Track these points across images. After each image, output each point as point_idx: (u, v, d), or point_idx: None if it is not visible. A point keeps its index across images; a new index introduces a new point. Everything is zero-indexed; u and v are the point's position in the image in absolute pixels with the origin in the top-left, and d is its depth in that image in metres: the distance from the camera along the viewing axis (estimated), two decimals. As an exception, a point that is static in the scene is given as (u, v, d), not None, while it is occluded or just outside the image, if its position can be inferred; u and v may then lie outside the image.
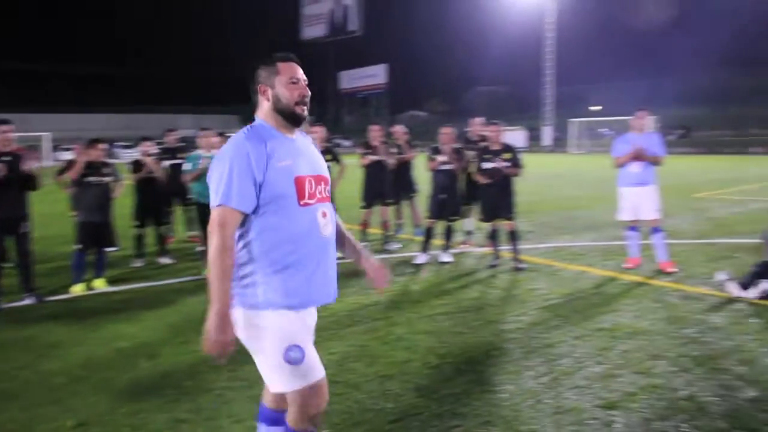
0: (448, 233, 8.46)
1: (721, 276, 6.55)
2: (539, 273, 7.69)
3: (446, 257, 8.43)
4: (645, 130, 7.72)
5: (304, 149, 2.79)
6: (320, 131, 8.82)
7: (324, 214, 2.73)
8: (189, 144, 10.25)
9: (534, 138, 53.14)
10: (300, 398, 2.67)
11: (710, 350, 4.95)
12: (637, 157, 7.56)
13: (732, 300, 6.26)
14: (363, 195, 9.51)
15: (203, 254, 7.69)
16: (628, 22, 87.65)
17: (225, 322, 2.53)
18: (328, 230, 2.75)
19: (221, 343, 2.52)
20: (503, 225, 8.11)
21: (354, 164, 9.60)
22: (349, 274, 7.72)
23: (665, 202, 14.51)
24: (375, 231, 9.81)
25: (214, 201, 2.59)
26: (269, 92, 2.72)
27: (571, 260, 8.36)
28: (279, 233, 2.61)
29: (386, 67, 77.41)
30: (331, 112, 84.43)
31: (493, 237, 8.17)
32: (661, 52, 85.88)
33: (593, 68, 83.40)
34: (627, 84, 77.31)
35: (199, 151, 7.97)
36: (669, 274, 7.41)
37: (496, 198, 8.00)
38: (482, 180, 7.99)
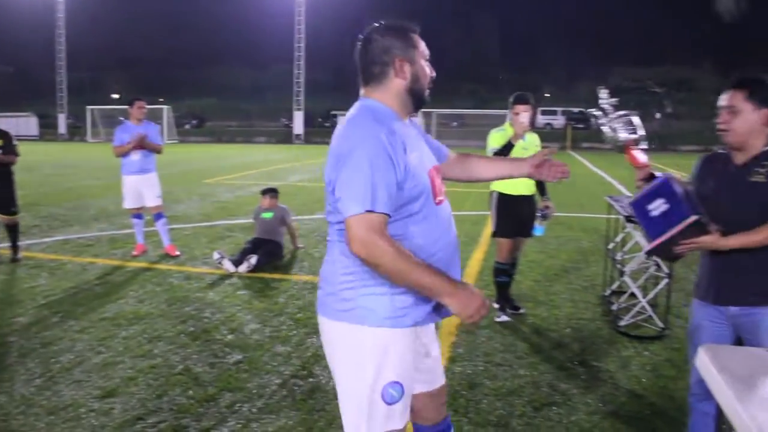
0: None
1: (216, 255, 7.11)
2: (42, 269, 7.20)
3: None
4: (143, 119, 7.84)
5: (419, 137, 2.37)
6: None
7: (450, 212, 2.39)
8: None
9: (48, 126, 49.04)
10: None
11: (205, 324, 5.34)
12: (138, 145, 7.64)
13: (227, 276, 6.86)
14: None
15: None
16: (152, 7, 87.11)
17: (467, 291, 2.11)
18: (455, 229, 2.40)
19: (481, 309, 2.11)
20: (2, 219, 7.40)
21: None
22: None
23: (177, 188, 15.06)
24: None
25: (354, 207, 2.03)
26: (407, 69, 2.24)
27: (78, 252, 8.06)
28: (419, 238, 2.20)
29: None
30: None
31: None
32: (173, 45, 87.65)
33: (112, 54, 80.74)
34: (143, 72, 77.16)
35: None
36: (173, 257, 7.74)
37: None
38: None
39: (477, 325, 2.24)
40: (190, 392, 4.08)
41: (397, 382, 2.23)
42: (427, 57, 2.33)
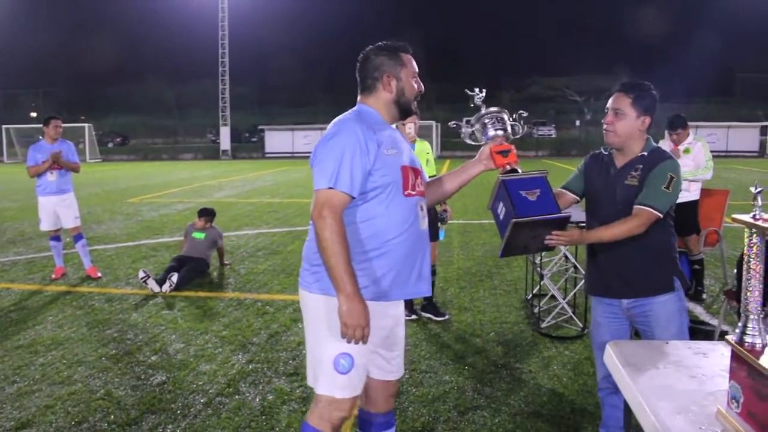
0: None
1: (142, 273, 6.95)
2: (-49, 298, 6.88)
3: None
4: (58, 137, 7.60)
5: (402, 140, 2.69)
6: None
7: (422, 207, 2.65)
8: None
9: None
10: (329, 405, 2.54)
11: (128, 346, 5.21)
12: (54, 164, 7.41)
13: (151, 296, 6.71)
14: None
15: None
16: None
17: (360, 305, 2.36)
18: (425, 224, 2.66)
19: (359, 327, 2.37)
20: None
21: None
22: None
23: (100, 208, 14.65)
24: None
25: (321, 183, 2.43)
26: (394, 84, 2.61)
27: (-8, 278, 7.75)
28: (382, 221, 2.50)
29: None
30: None
31: None
32: (94, 61, 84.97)
33: (30, 71, 77.61)
34: (63, 89, 74.54)
35: None
36: (95, 279, 7.52)
37: None
38: None
39: (348, 336, 2.39)
40: (112, 417, 3.97)
41: (347, 354, 2.48)
42: (416, 74, 2.66)
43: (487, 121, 2.80)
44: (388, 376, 2.72)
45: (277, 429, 3.77)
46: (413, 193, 2.59)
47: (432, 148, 5.96)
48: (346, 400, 2.52)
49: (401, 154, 2.59)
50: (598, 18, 75.45)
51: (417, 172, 2.66)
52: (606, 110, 3.01)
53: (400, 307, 2.72)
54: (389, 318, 2.64)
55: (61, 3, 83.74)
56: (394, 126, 2.73)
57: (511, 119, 2.81)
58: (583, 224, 5.39)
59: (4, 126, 45.03)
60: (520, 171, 2.75)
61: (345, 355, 2.48)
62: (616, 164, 3.05)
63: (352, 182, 2.42)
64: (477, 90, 2.82)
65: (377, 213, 2.49)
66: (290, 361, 4.82)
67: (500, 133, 2.78)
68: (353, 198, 2.44)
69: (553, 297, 5.97)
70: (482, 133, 2.82)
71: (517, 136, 2.84)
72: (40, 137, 7.81)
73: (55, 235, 7.73)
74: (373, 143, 2.47)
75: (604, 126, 3.00)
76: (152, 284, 6.79)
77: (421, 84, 2.69)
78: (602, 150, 3.18)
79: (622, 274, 3.01)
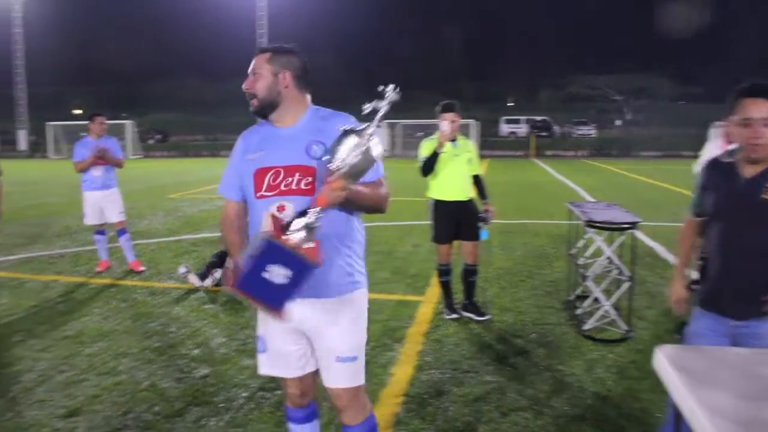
0: None
1: (182, 269, 7.04)
2: (2, 288, 7.06)
3: None
4: (103, 134, 7.74)
5: (287, 139, 2.57)
6: None
7: (281, 208, 2.49)
8: None
9: (8, 142, 47.95)
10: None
11: (171, 339, 5.29)
12: (99, 159, 7.55)
13: (192, 290, 6.80)
14: None
15: None
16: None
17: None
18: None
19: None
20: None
21: None
22: None
23: (142, 203, 14.88)
24: None
25: None
26: None
27: (41, 270, 7.92)
28: (250, 224, 2.68)
29: None
30: None
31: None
32: (135, 59, 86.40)
33: (73, 69, 79.40)
34: (106, 87, 76.09)
35: None
36: (138, 273, 7.65)
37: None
38: None
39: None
40: (156, 408, 4.03)
41: (259, 336, 2.80)
42: (248, 74, 2.65)
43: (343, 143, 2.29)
44: (330, 383, 2.68)
45: (319, 425, 3.78)
46: (268, 194, 2.52)
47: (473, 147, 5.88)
48: (278, 378, 2.84)
49: (267, 156, 2.55)
50: (639, 16, 74.21)
51: (291, 170, 2.49)
52: (745, 121, 2.61)
53: (310, 310, 2.59)
54: (312, 328, 2.66)
55: (103, 4, 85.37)
56: (295, 123, 2.58)
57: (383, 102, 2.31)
58: (627, 225, 5.33)
59: (47, 123, 45.98)
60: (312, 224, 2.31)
61: (258, 337, 2.81)
62: (743, 174, 2.71)
63: (229, 188, 2.74)
64: (386, 87, 2.31)
65: (248, 216, 2.71)
66: (331, 358, 4.83)
67: (330, 159, 2.30)
68: (240, 201, 2.73)
69: (596, 299, 5.88)
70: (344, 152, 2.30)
71: (380, 125, 2.32)
72: (84, 134, 7.96)
73: (100, 230, 7.88)
74: (240, 150, 2.70)
75: (756, 141, 2.60)
76: (193, 278, 6.88)
77: (246, 82, 2.61)
78: (719, 157, 2.86)
79: (749, 296, 2.72)
